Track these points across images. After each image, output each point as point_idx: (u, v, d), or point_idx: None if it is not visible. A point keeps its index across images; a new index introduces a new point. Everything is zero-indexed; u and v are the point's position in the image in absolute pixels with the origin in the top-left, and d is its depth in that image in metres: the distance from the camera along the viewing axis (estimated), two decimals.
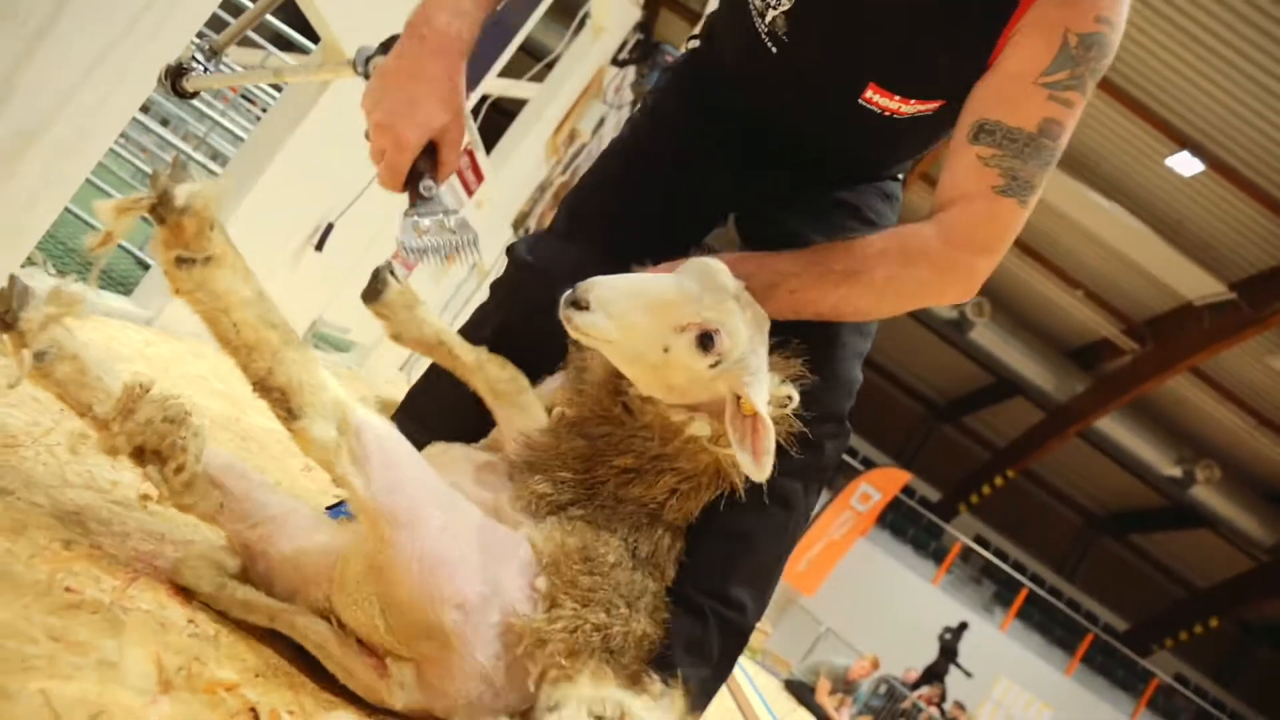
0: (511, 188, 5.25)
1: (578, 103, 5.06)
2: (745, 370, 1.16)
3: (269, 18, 4.27)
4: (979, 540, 19.44)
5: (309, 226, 3.00)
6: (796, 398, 1.23)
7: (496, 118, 4.89)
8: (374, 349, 4.69)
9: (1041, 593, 18.06)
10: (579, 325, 1.17)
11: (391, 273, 1.42)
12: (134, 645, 0.93)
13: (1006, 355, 16.90)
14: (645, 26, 5.23)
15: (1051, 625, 17.88)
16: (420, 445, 1.34)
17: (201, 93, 1.48)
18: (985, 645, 15.08)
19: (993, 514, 20.23)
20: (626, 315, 1.14)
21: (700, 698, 1.36)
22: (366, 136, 1.23)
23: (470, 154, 3.99)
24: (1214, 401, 16.03)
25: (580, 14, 4.63)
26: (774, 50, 1.34)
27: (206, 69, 1.42)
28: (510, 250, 1.60)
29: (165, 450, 1.06)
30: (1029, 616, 17.45)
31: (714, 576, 1.37)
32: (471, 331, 1.56)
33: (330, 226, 3.05)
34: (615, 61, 5.08)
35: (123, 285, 2.54)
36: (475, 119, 4.45)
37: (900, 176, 1.65)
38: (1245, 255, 12.56)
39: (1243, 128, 10.48)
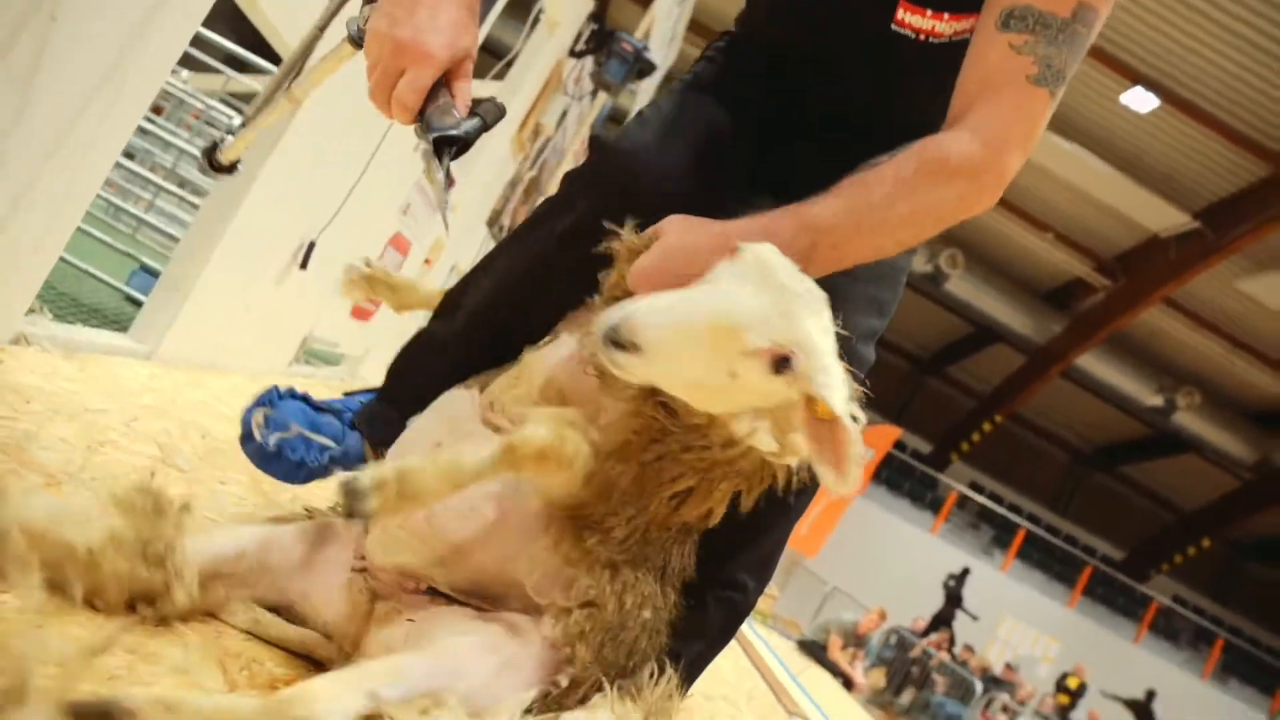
0: (482, 187, 5.32)
1: (540, 97, 5.13)
2: (820, 370, 0.98)
3: (224, 41, 4.32)
4: (973, 486, 19.75)
5: (292, 246, 3.08)
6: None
7: None
8: (363, 360, 4.77)
9: (1038, 531, 18.41)
10: (629, 371, 1.00)
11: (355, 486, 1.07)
12: (198, 652, 1.04)
13: (983, 303, 17.14)
14: (598, 16, 5.29)
15: (1050, 562, 18.23)
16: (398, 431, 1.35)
17: (232, 157, 1.48)
18: (988, 587, 15.38)
19: (984, 460, 20.53)
20: (683, 354, 0.97)
21: (692, 672, 1.35)
22: (370, 87, 1.16)
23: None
24: (1188, 329, 16.32)
25: (535, 10, 4.69)
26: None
27: (232, 134, 1.46)
28: (595, 141, 1.46)
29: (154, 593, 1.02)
30: (1028, 555, 17.78)
31: (720, 562, 1.32)
32: (530, 233, 1.46)
33: (312, 244, 3.12)
34: (572, 53, 5.15)
35: (117, 323, 2.62)
36: None
37: None
38: (1206, 184, 12.78)
39: (1193, 59, 10.65)
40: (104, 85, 1.65)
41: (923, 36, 1.25)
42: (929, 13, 1.22)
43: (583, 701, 1.10)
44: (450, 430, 1.28)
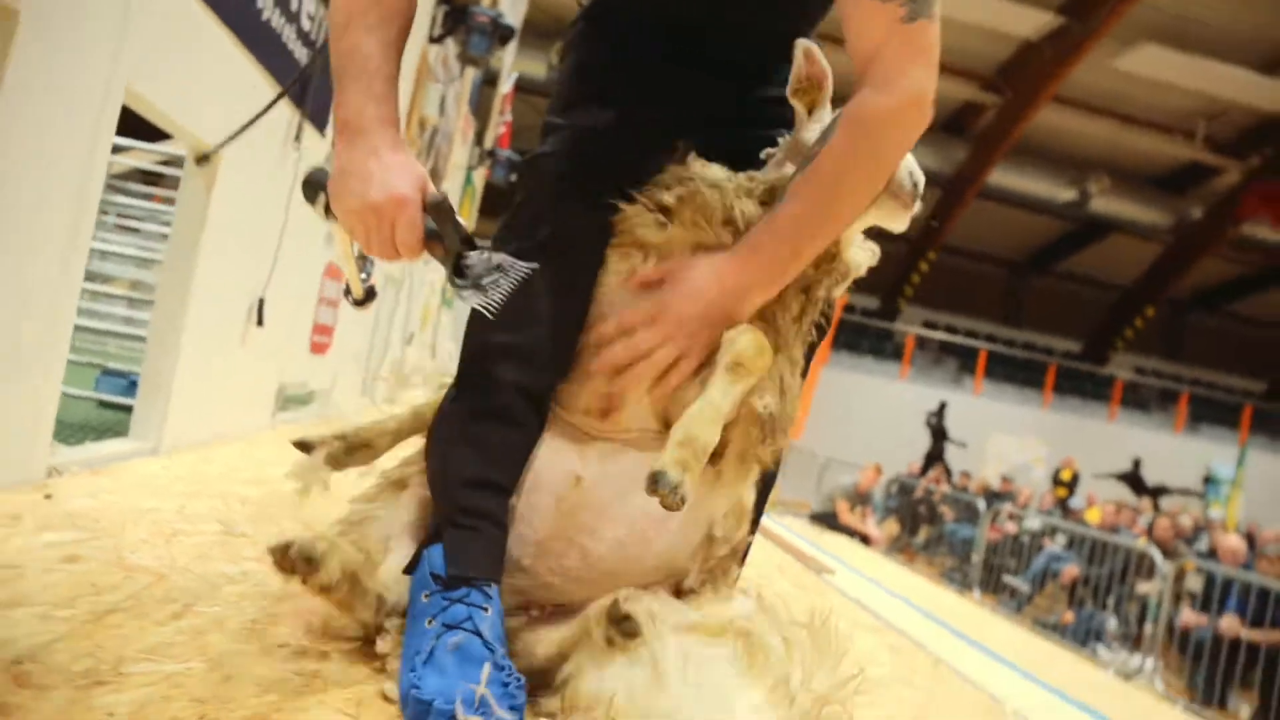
0: None
1: (415, 92, 5.19)
2: None
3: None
4: (927, 325, 20.42)
5: (244, 308, 3.22)
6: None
7: None
8: (332, 390, 4.92)
9: (998, 348, 19.17)
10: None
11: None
12: (348, 667, 1.26)
13: None
14: None
15: (1016, 372, 19.03)
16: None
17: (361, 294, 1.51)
18: (967, 413, 16.08)
19: (930, 298, 21.12)
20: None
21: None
22: (356, 252, 1.27)
23: None
24: (1082, 119, 16.88)
25: None
26: None
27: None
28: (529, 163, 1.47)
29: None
30: (994, 372, 18.53)
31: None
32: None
33: (262, 301, 3.27)
34: (432, 40, 5.20)
35: (114, 431, 2.76)
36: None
37: None
38: None
39: None
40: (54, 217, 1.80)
41: None
42: None
43: None
44: (558, 466, 1.33)
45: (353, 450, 1.64)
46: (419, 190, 1.19)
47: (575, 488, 1.31)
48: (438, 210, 1.19)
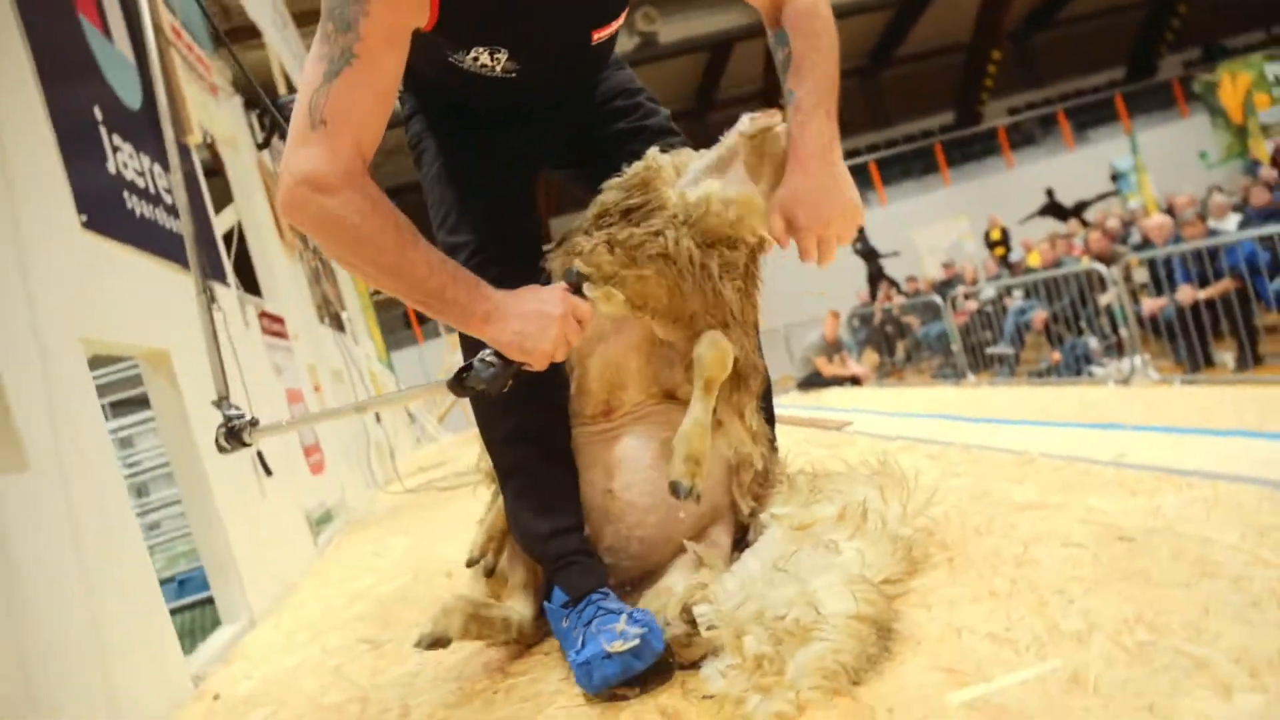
0: (294, 303, 5.48)
1: (271, 200, 5.28)
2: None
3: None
4: None
5: (248, 467, 3.39)
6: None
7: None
8: (344, 497, 5.09)
9: (879, 154, 19.62)
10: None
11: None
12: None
13: (695, 28, 17.61)
14: (251, 101, 5.38)
15: (909, 166, 19.52)
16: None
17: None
18: (883, 224, 16.55)
19: None
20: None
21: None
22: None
23: None
24: None
25: (206, 139, 4.81)
26: (512, 76, 1.57)
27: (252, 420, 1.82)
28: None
29: None
30: (890, 177, 18.96)
31: None
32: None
33: (260, 454, 3.44)
34: (261, 147, 5.27)
35: (191, 632, 2.94)
36: (230, 248, 4.73)
37: None
38: None
39: None
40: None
41: (613, 32, 1.64)
42: (612, 24, 1.59)
43: None
44: (594, 487, 1.70)
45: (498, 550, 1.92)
46: (562, 298, 1.44)
47: (612, 500, 1.66)
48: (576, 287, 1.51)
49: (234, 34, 6.31)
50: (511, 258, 1.66)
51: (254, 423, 1.83)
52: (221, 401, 1.91)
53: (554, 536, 1.63)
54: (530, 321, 1.40)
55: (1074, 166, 17.47)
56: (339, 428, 5.93)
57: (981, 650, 1.18)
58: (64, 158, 2.41)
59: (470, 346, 1.59)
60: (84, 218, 2.45)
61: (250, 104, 5.46)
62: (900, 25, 22.05)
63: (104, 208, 2.62)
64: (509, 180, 1.76)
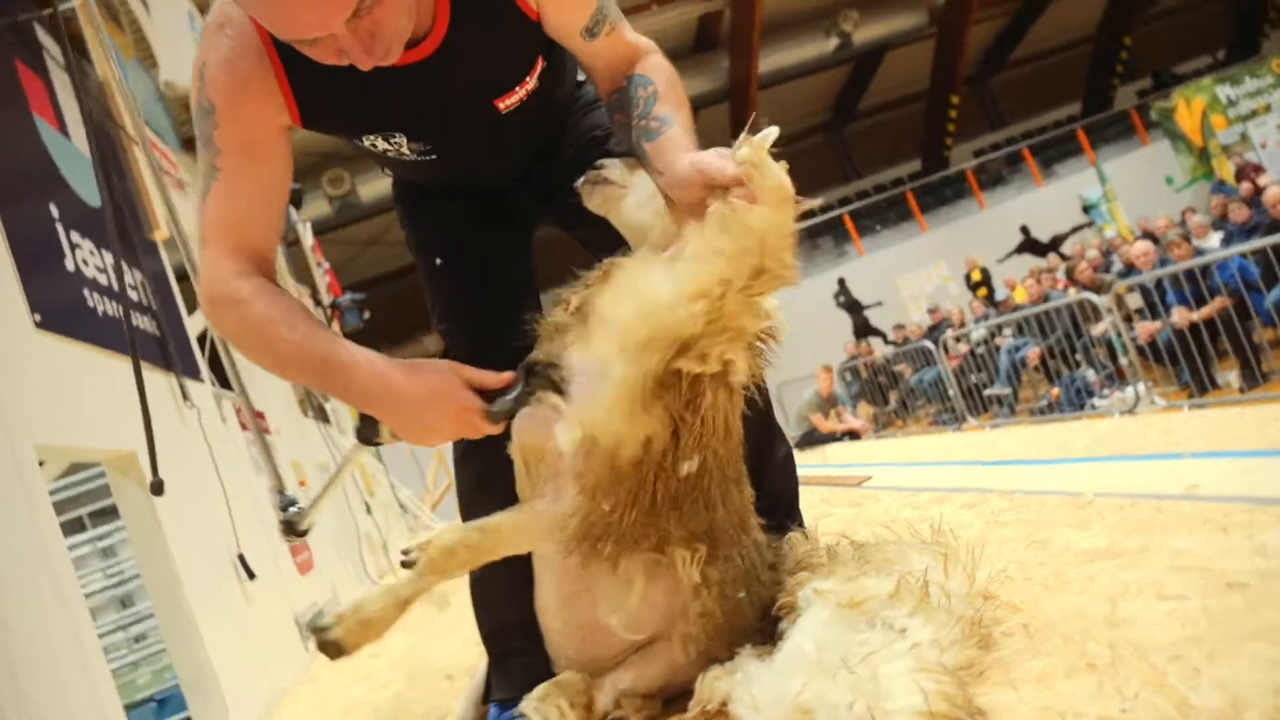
0: (273, 391, 5.32)
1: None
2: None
3: None
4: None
5: (229, 569, 3.17)
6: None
7: None
8: (336, 595, 4.84)
9: (853, 206, 19.79)
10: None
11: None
12: None
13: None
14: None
15: (883, 215, 19.61)
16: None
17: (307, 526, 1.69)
18: (864, 275, 16.63)
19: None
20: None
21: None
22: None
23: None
24: None
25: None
26: (432, 158, 1.53)
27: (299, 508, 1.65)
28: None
29: None
30: (864, 227, 18.99)
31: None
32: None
33: (242, 556, 3.22)
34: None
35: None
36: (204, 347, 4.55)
37: (580, 80, 1.79)
38: None
39: None
40: None
41: (525, 98, 1.53)
42: (516, 90, 1.50)
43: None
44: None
45: None
46: (454, 379, 1.34)
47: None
48: (501, 417, 1.35)
49: None
50: (482, 329, 1.60)
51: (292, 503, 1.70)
52: (280, 495, 1.78)
53: (496, 633, 1.64)
54: (406, 409, 1.33)
55: (1045, 202, 17.62)
56: (329, 523, 5.69)
57: None
58: (14, 256, 2.26)
59: None
60: (37, 317, 2.28)
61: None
62: (859, 79, 22.43)
63: (60, 306, 2.45)
64: (479, 248, 1.68)
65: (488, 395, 1.36)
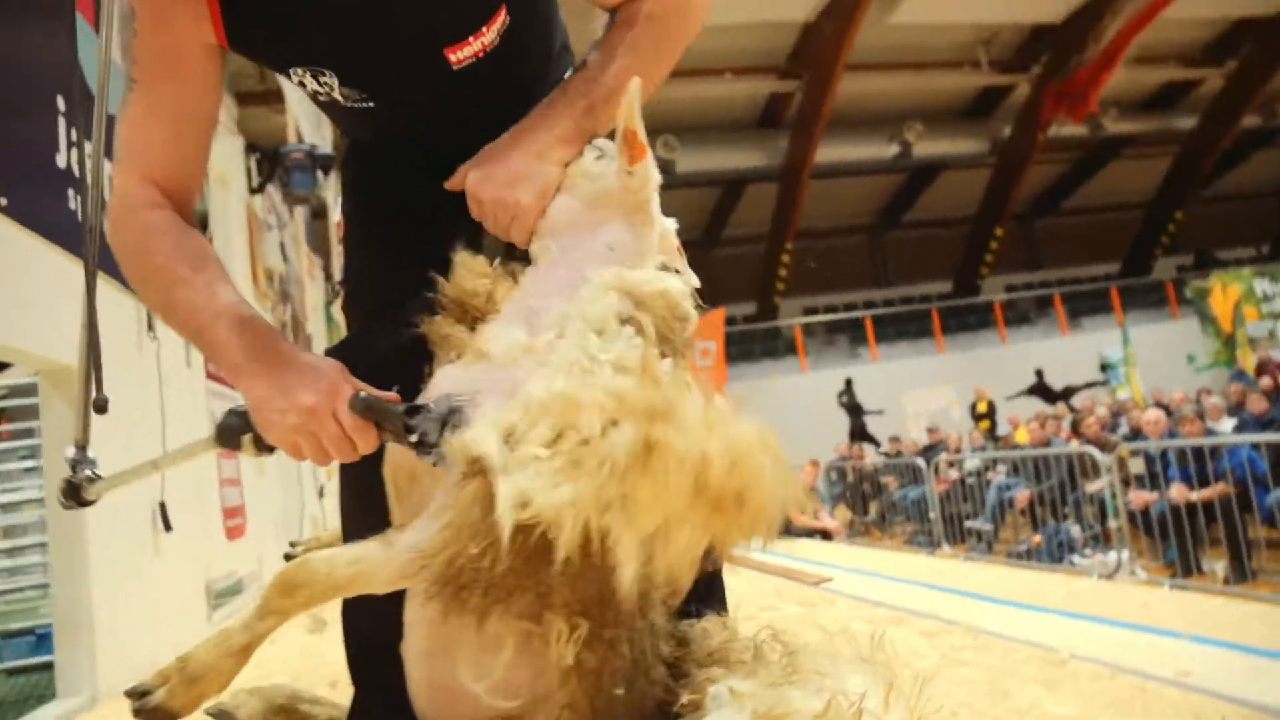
0: None
1: (252, 247, 5.00)
2: None
3: None
4: (807, 312, 20.94)
5: (146, 515, 2.98)
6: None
7: None
8: (261, 570, 4.62)
9: (879, 311, 19.81)
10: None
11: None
12: None
13: (712, 163, 18.08)
14: (252, 145, 5.18)
15: (903, 327, 19.66)
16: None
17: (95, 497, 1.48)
18: (874, 381, 16.51)
19: (801, 285, 21.52)
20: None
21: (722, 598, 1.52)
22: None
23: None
24: (879, 78, 17.79)
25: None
26: (369, 105, 1.38)
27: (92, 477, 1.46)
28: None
29: None
30: (884, 335, 19.06)
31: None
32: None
33: (163, 504, 3.03)
34: (254, 191, 5.04)
35: (38, 697, 2.49)
36: None
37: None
38: None
39: None
40: None
41: (481, 54, 1.35)
42: (468, 39, 1.32)
43: None
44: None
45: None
46: (332, 392, 1.17)
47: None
48: (365, 408, 1.16)
49: (265, 97, 6.12)
50: (388, 307, 1.36)
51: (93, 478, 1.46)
52: (79, 450, 1.51)
53: (361, 659, 1.42)
54: (274, 399, 1.17)
55: (1066, 350, 17.59)
56: (276, 496, 5.48)
57: None
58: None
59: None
60: (3, 201, 2.14)
61: (250, 146, 5.26)
62: (911, 190, 22.59)
63: (33, 196, 2.30)
64: (412, 223, 1.48)
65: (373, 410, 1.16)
